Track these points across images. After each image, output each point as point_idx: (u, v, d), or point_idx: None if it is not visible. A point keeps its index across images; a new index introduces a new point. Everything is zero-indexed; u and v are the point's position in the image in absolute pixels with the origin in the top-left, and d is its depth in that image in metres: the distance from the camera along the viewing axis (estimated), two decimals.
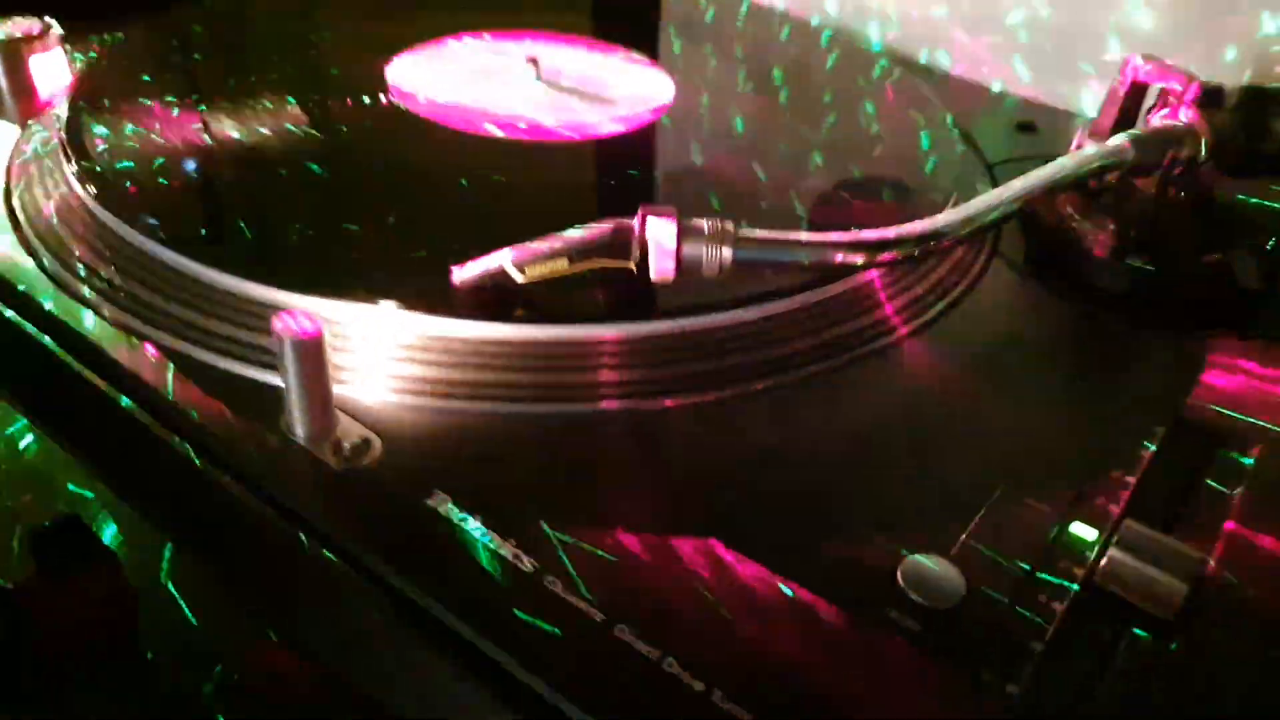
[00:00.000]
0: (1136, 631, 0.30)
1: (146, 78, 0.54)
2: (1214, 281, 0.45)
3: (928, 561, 0.31)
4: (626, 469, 0.35)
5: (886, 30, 0.71)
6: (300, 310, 0.32)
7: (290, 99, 0.52)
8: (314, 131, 0.50)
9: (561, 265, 0.36)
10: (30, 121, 0.51)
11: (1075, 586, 0.31)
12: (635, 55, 0.60)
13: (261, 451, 0.33)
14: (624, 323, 0.38)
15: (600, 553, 0.31)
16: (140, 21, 0.60)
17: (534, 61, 0.55)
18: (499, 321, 0.37)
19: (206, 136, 0.49)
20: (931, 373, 0.40)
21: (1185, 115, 0.46)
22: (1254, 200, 0.45)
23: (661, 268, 0.35)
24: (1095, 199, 0.48)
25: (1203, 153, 0.45)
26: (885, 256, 0.37)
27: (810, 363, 0.39)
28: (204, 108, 0.51)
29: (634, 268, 0.36)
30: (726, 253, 0.36)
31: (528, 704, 0.27)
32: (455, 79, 0.56)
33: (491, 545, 0.30)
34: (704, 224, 0.36)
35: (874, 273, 0.42)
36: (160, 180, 0.45)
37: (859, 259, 0.37)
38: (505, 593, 0.29)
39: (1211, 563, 0.32)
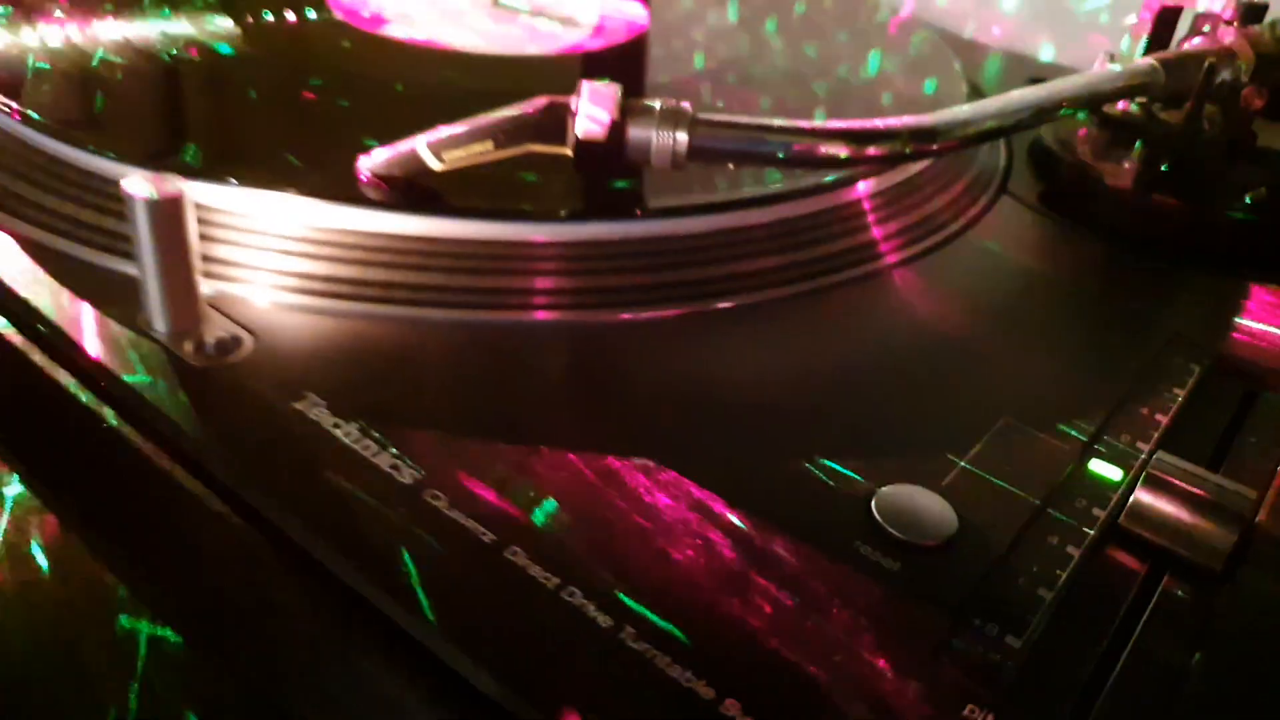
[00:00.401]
0: (1171, 582, 0.24)
1: None
2: (1253, 219, 0.39)
3: (910, 491, 0.25)
4: (556, 386, 0.29)
5: None
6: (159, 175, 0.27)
7: None
8: (229, 28, 0.45)
9: (486, 149, 0.31)
10: None
11: (1094, 530, 0.25)
12: None
13: (112, 346, 0.28)
14: (561, 223, 0.32)
15: (503, 470, 0.25)
16: None
17: None
18: (410, 214, 0.31)
19: (107, 31, 0.43)
20: (924, 304, 0.35)
21: (1224, 36, 0.40)
22: None
23: (588, 128, 0.29)
24: (1116, 133, 0.42)
25: (1242, 76, 0.39)
26: (872, 150, 0.31)
27: (787, 283, 0.33)
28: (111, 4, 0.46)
29: (571, 153, 0.31)
30: (681, 138, 0.30)
31: (396, 637, 0.21)
32: None
33: (366, 454, 0.25)
34: (655, 103, 0.30)
35: (862, 191, 0.37)
36: (50, 74, 0.40)
37: (842, 151, 0.31)
38: (373, 508, 0.23)
39: (1263, 511, 0.26)
